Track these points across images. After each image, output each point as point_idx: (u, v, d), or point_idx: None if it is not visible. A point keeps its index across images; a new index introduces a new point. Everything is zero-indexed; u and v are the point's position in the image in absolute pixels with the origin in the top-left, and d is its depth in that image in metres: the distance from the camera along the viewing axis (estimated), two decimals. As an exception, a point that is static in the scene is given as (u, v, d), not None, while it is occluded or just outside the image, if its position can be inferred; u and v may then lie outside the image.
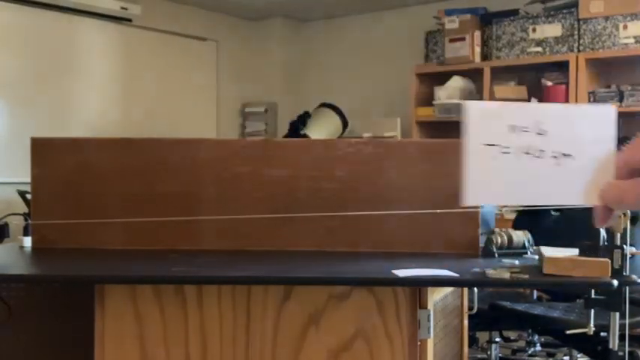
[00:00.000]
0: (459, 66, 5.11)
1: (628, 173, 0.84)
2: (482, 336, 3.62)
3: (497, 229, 2.28)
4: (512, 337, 3.85)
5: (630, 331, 2.38)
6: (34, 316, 2.29)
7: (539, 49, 4.91)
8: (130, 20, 5.26)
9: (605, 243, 1.83)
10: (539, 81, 5.03)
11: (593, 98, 4.67)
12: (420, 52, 5.39)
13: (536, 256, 2.11)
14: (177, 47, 5.58)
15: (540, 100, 4.91)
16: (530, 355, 3.94)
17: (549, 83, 4.91)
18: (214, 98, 5.90)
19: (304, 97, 6.18)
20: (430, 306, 1.91)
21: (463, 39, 5.06)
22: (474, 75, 5.14)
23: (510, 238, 2.24)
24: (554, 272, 1.83)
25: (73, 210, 2.47)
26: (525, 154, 0.81)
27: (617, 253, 1.81)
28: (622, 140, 0.82)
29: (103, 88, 5.13)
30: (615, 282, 1.76)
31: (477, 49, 5.08)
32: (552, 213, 3.01)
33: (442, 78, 5.18)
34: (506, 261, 2.07)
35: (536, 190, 0.82)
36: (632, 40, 4.61)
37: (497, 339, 3.43)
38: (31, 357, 2.29)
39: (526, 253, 2.23)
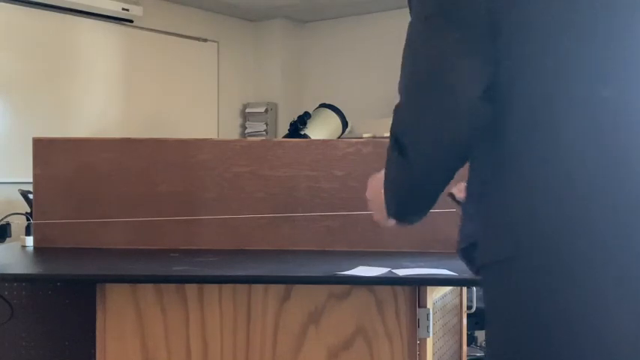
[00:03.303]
0: (459, 67, 5.12)
1: None
2: (481, 335, 3.64)
3: (496, 229, 2.29)
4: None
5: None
6: (36, 315, 2.30)
7: (539, 49, 4.92)
8: (131, 21, 5.27)
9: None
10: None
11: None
12: (420, 52, 5.39)
13: (535, 256, 2.12)
14: (178, 48, 5.59)
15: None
16: (529, 355, 3.95)
17: (548, 84, 4.92)
18: (215, 99, 5.91)
19: (304, 97, 6.19)
20: (429, 305, 1.92)
21: (463, 40, 5.07)
22: (473, 76, 5.15)
23: (509, 238, 2.24)
24: (552, 271, 1.84)
25: (75, 209, 2.48)
26: None
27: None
28: None
29: (104, 89, 5.14)
30: (613, 281, 1.77)
31: (477, 50, 5.09)
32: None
33: (442, 78, 5.19)
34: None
35: None
36: (631, 41, 4.62)
37: (497, 338, 3.43)
38: (32, 356, 2.30)
39: (525, 252, 2.23)
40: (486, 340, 1.32)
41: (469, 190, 1.36)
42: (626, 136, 1.15)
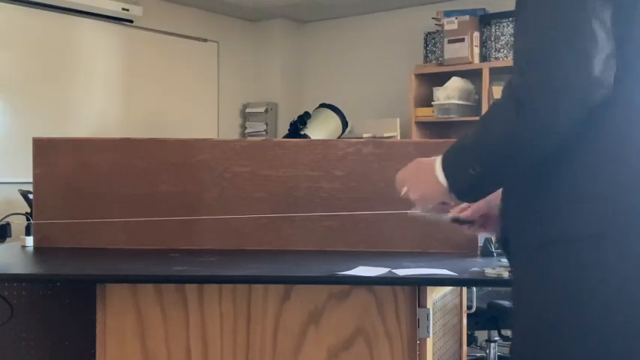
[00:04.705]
0: (458, 67, 5.11)
1: None
2: (481, 335, 3.64)
3: (495, 229, 2.29)
4: (510, 336, 3.85)
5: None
6: (36, 315, 2.30)
7: (539, 49, 4.91)
8: (131, 21, 5.27)
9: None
10: (538, 82, 5.02)
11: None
12: (419, 52, 5.39)
13: (535, 256, 2.12)
14: (178, 48, 5.59)
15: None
16: (529, 355, 3.95)
17: (548, 84, 4.91)
18: (215, 99, 5.91)
19: (304, 97, 6.19)
20: (429, 305, 1.92)
21: (462, 40, 5.07)
22: (472, 76, 5.15)
23: (509, 238, 2.24)
24: (552, 271, 1.84)
25: (75, 209, 2.48)
26: None
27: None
28: None
29: (104, 89, 5.14)
30: (612, 281, 1.77)
31: (476, 50, 5.09)
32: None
33: (441, 79, 5.19)
34: (505, 260, 2.08)
35: None
36: (630, 41, 4.61)
37: (496, 338, 3.44)
38: (32, 356, 2.30)
39: (524, 252, 2.23)
40: (533, 322, 1.29)
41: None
42: None
